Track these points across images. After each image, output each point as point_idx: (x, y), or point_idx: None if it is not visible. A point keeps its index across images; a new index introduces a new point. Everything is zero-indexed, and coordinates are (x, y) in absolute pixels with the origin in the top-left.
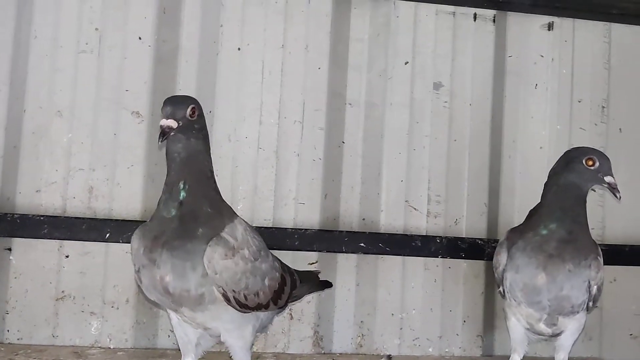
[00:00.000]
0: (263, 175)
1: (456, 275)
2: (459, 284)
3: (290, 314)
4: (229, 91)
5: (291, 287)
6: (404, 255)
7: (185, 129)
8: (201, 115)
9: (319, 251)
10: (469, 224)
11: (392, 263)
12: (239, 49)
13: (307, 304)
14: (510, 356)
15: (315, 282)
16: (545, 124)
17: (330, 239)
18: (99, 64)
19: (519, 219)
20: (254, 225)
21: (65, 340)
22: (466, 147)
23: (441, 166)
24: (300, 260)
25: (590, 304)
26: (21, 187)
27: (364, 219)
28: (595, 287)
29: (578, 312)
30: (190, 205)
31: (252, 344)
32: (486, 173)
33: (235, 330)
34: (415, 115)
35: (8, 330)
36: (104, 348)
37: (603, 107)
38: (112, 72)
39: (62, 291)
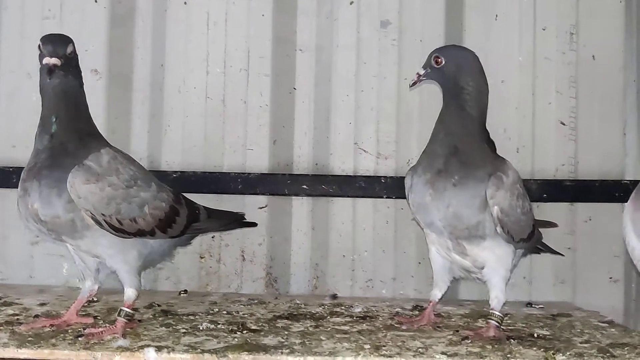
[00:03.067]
0: (212, 124)
1: (408, 216)
2: (411, 225)
3: (243, 255)
4: (178, 45)
5: (189, 219)
6: (349, 196)
7: (65, 66)
8: (75, 52)
9: (263, 194)
10: None
11: (342, 205)
12: (185, 2)
13: (258, 246)
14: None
15: (233, 220)
16: (505, 56)
17: (274, 181)
18: (61, 28)
19: None
20: (205, 171)
21: (41, 281)
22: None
23: (391, 107)
24: (250, 205)
25: (498, 229)
26: None
27: (316, 164)
28: (496, 207)
29: (484, 238)
30: (59, 137)
31: (140, 269)
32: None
33: (117, 255)
34: (362, 56)
35: None
36: (73, 288)
37: (572, 33)
38: (73, 35)
39: (37, 236)
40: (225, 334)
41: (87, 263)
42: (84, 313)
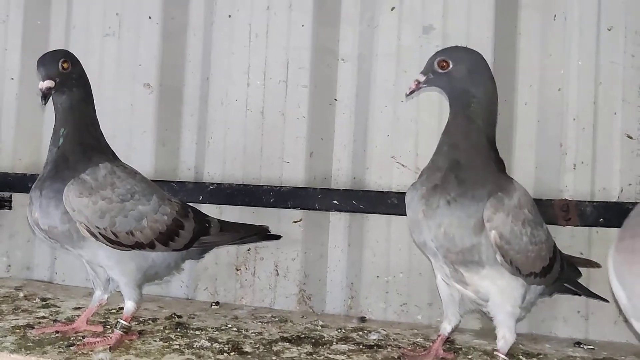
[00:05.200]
0: (251, 136)
1: None
2: None
3: (276, 270)
4: (222, 57)
5: (196, 232)
6: (380, 213)
7: (65, 82)
8: (75, 64)
9: (294, 208)
10: None
11: (376, 222)
12: (229, 16)
13: (292, 261)
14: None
15: (253, 233)
16: (563, 61)
17: (305, 196)
18: (119, 44)
19: (537, 175)
20: (240, 183)
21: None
22: None
23: (432, 118)
24: (285, 219)
25: (499, 257)
26: None
27: (354, 178)
28: (494, 232)
29: (482, 266)
30: (64, 150)
31: (140, 281)
32: None
33: (115, 266)
34: (402, 64)
35: (56, 273)
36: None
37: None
38: (129, 50)
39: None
40: (211, 356)
41: (97, 272)
42: (98, 322)
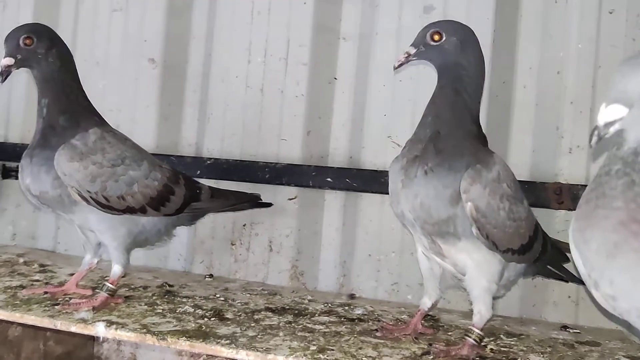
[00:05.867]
0: (250, 113)
1: None
2: None
3: (270, 246)
4: (224, 34)
5: (187, 198)
6: (373, 192)
7: (29, 58)
8: (42, 39)
9: (288, 185)
10: None
11: (370, 201)
12: None
13: (285, 238)
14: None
15: (244, 201)
16: (562, 43)
17: (300, 172)
18: (126, 20)
19: (534, 159)
20: (237, 159)
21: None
22: None
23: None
24: (281, 195)
25: (474, 230)
26: None
27: (351, 157)
28: (470, 203)
29: (459, 238)
30: (49, 119)
31: (130, 246)
32: (485, 105)
33: (107, 231)
34: (402, 44)
35: (59, 243)
36: None
37: None
38: (135, 26)
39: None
40: (191, 320)
41: (88, 236)
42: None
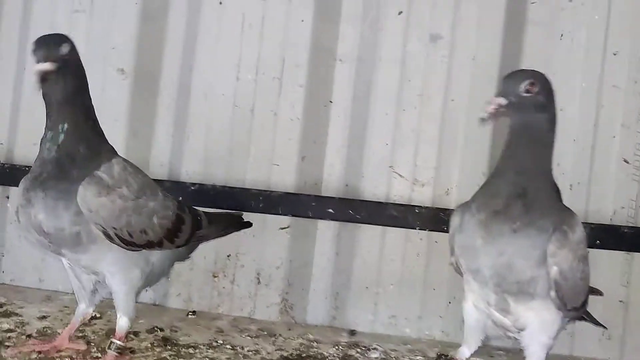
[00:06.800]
0: (238, 134)
1: (443, 251)
2: (445, 261)
3: (258, 278)
4: (209, 46)
5: (193, 227)
6: (377, 224)
7: (64, 69)
8: (74, 51)
9: (284, 215)
10: (461, 195)
11: (371, 233)
12: (220, 2)
13: (275, 270)
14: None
15: (233, 223)
16: (567, 82)
17: (297, 202)
18: (90, 23)
19: None
20: (226, 185)
21: (49, 285)
22: (465, 108)
23: (433, 129)
24: (271, 224)
25: (552, 293)
26: (20, 140)
27: (347, 185)
28: (555, 267)
29: (533, 298)
30: (67, 147)
31: (140, 289)
32: (488, 138)
33: (119, 272)
34: (407, 72)
35: (3, 272)
36: None
37: None
38: (102, 30)
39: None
40: None
41: (82, 282)
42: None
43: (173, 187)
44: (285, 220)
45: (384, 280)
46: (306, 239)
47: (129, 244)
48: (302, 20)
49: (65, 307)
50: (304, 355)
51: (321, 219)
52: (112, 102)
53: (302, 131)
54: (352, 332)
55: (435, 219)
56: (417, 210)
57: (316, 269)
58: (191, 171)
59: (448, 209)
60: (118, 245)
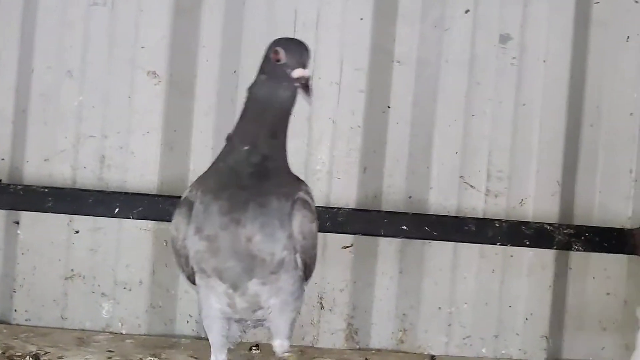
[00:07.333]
0: (293, 145)
1: (519, 265)
2: (521, 276)
3: (321, 303)
4: (257, 47)
5: None
6: (455, 241)
7: None
8: None
9: (353, 234)
10: (537, 205)
11: (441, 249)
12: None
13: (339, 292)
14: None
15: None
16: (637, 85)
17: (367, 220)
18: (112, 18)
19: (600, 200)
20: None
21: (75, 323)
22: (537, 114)
23: (505, 136)
24: (332, 244)
25: None
26: (29, 155)
27: (410, 197)
28: None
29: None
30: (273, 160)
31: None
32: (561, 145)
33: (292, 303)
34: (475, 75)
35: (16, 310)
36: (114, 333)
37: None
38: (127, 27)
39: (72, 269)
40: None
41: (231, 329)
42: None
43: None
44: (348, 238)
45: (458, 299)
46: (369, 257)
47: (309, 273)
48: (361, 19)
49: (110, 351)
50: None
51: (394, 237)
52: (144, 111)
53: (363, 140)
54: (432, 358)
55: (513, 233)
56: (496, 224)
57: (378, 289)
58: None
59: (529, 222)
60: (301, 275)
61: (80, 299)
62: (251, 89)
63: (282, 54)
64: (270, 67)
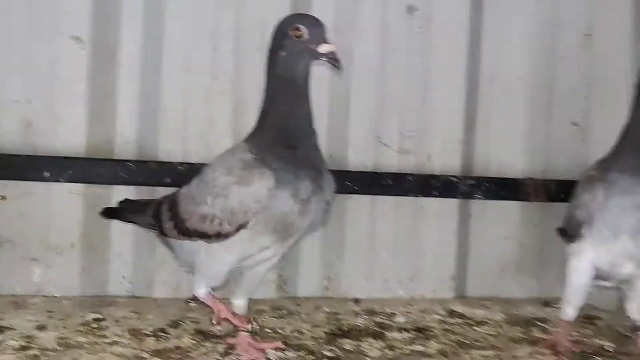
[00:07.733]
0: (219, 109)
1: (427, 214)
2: (430, 224)
3: None
4: (181, 11)
5: None
6: (375, 195)
7: None
8: None
9: None
10: (442, 160)
11: (360, 203)
12: None
13: None
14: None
15: None
16: (526, 50)
17: None
18: None
19: (495, 155)
20: None
21: (5, 289)
22: (441, 78)
23: (415, 99)
24: None
25: None
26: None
27: (331, 156)
28: None
29: None
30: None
31: None
32: (462, 105)
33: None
34: (387, 43)
35: None
36: (47, 297)
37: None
38: None
39: (1, 236)
40: None
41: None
42: None
43: (159, 169)
44: None
45: (377, 247)
46: None
47: None
48: None
49: (50, 311)
50: (346, 328)
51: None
52: (69, 77)
53: None
54: (356, 300)
55: (424, 186)
56: (410, 179)
57: (304, 242)
58: (168, 149)
59: (437, 176)
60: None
61: (10, 264)
62: (274, 70)
63: (304, 30)
64: (292, 44)
